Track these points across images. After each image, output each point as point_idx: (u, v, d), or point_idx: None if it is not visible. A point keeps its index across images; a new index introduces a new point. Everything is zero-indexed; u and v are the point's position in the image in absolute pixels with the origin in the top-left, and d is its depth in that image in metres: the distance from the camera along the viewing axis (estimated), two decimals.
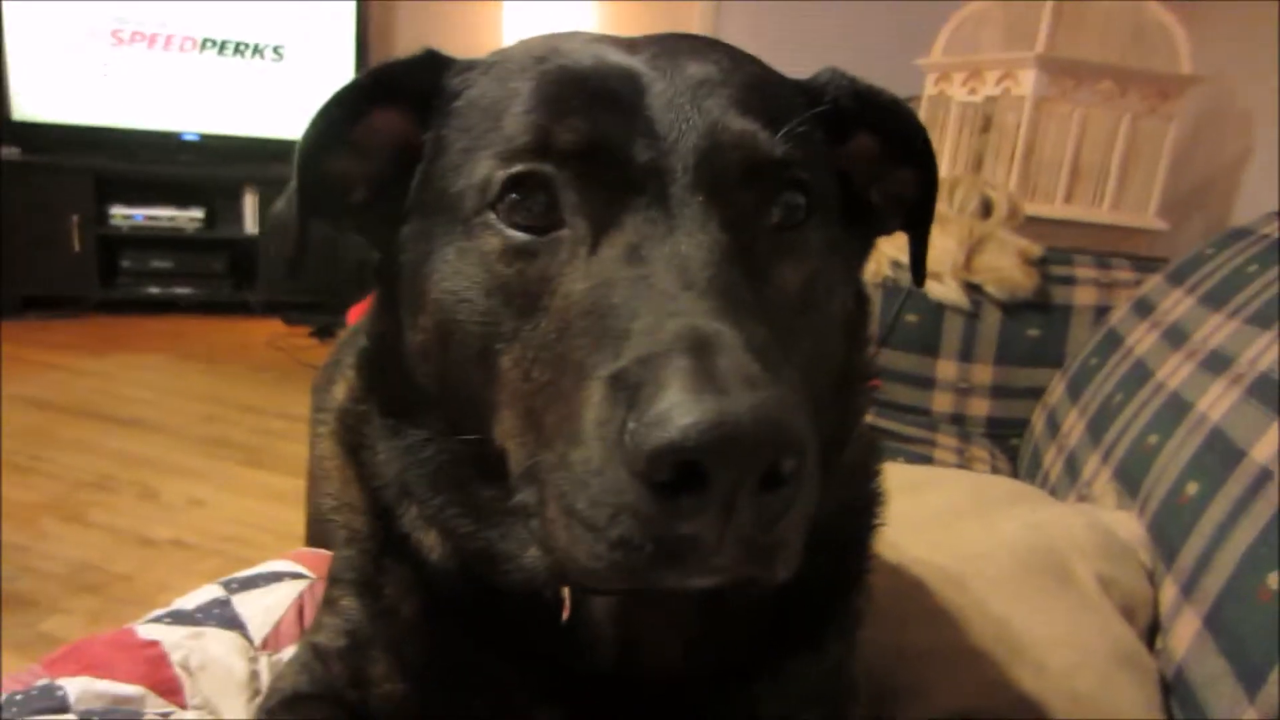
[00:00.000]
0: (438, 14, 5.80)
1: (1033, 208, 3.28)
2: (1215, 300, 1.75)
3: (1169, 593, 1.32)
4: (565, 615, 0.78)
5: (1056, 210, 3.60)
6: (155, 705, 0.99)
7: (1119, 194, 3.62)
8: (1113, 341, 2.09)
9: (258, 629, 1.18)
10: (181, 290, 5.65)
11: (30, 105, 5.34)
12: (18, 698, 0.94)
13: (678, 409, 0.51)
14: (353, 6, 5.77)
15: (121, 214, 5.51)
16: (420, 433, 0.80)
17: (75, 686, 0.97)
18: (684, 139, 0.68)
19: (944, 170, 3.77)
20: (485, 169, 0.71)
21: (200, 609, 1.19)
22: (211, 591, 1.23)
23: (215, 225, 5.72)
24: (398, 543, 0.86)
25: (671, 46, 0.76)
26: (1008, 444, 2.45)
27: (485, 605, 0.82)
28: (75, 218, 5.31)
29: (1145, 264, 2.57)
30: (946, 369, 2.53)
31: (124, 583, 2.74)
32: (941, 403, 2.54)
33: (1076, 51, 3.58)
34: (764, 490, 0.54)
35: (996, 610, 1.28)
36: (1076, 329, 2.46)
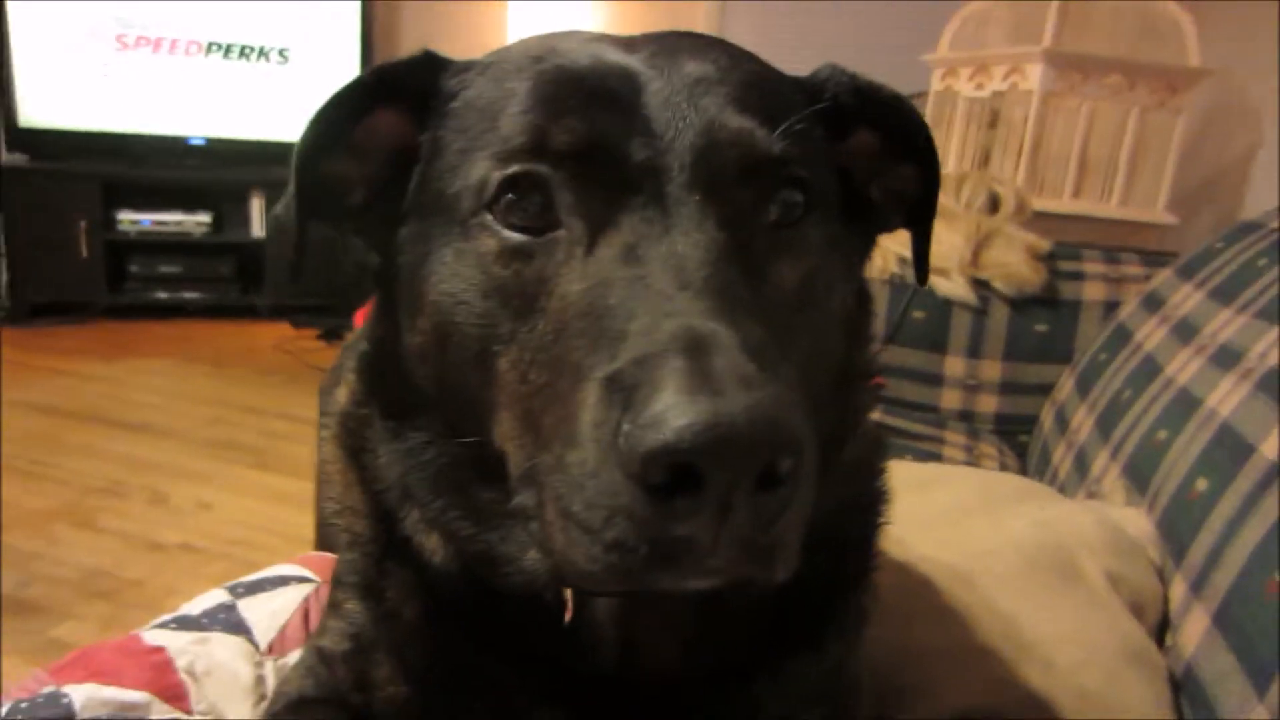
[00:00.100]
0: (442, 15, 5.80)
1: (1040, 203, 3.27)
2: (1225, 295, 1.74)
3: (1178, 589, 1.31)
4: (568, 617, 0.78)
5: (1064, 205, 3.58)
6: (161, 711, 0.99)
7: (1127, 188, 3.60)
8: (1122, 337, 2.08)
9: (263, 634, 1.18)
10: (189, 294, 5.66)
11: (36, 111, 5.35)
12: (23, 705, 0.94)
13: (672, 411, 0.51)
14: (358, 8, 5.78)
15: (129, 219, 5.52)
16: (420, 435, 0.80)
17: (80, 694, 0.96)
18: (681, 137, 0.68)
19: (951, 166, 3.76)
20: (481, 170, 0.70)
21: (206, 614, 1.19)
22: (217, 596, 1.23)
23: (222, 229, 5.74)
24: (400, 546, 0.86)
25: (670, 45, 0.76)
26: (1016, 441, 2.44)
27: (487, 608, 0.82)
28: (83, 223, 5.32)
29: (1154, 259, 2.55)
30: (954, 365, 2.52)
31: (135, 588, 2.74)
32: (949, 399, 2.53)
33: (1084, 46, 3.56)
34: (760, 491, 0.53)
35: (1004, 607, 1.27)
36: (1085, 324, 2.45)
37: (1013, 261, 2.47)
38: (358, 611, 0.92)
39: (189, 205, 5.63)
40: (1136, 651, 1.23)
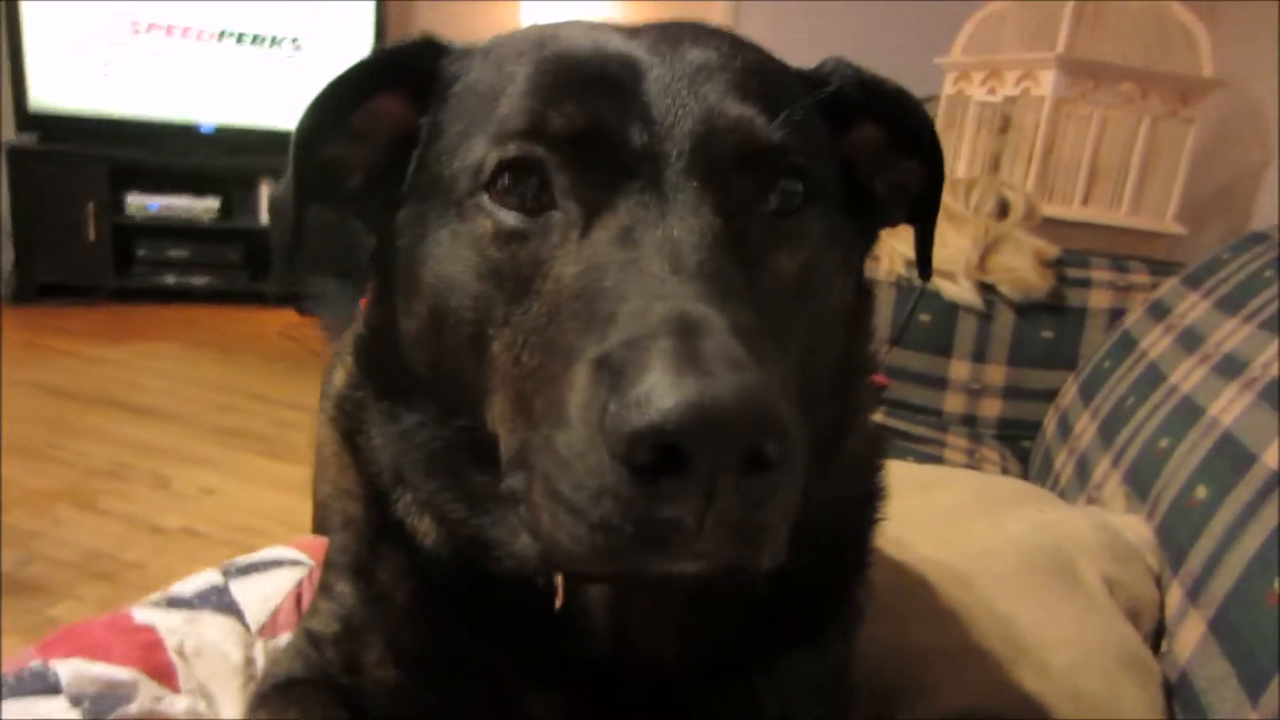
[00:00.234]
0: (456, 8, 5.80)
1: (1050, 209, 3.25)
2: (1231, 304, 1.74)
3: (1175, 596, 1.31)
4: (558, 603, 0.78)
5: (1074, 212, 3.56)
6: (149, 690, 0.99)
7: (1137, 197, 3.58)
8: (1126, 344, 2.07)
9: (255, 615, 1.18)
10: (197, 280, 5.65)
11: (48, 94, 5.35)
12: (9, 680, 0.94)
13: (658, 391, 0.51)
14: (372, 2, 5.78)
15: (137, 203, 5.51)
16: (414, 418, 0.80)
17: (68, 669, 0.96)
18: (680, 124, 0.68)
19: (961, 170, 3.75)
20: (479, 151, 0.70)
21: (197, 594, 1.19)
22: (209, 577, 1.23)
23: (231, 215, 5.73)
24: (392, 529, 0.86)
25: (672, 33, 0.76)
26: (1019, 446, 2.44)
27: (479, 592, 0.82)
28: (91, 206, 5.32)
29: (1161, 268, 2.55)
30: (959, 369, 2.51)
31: (135, 570, 2.75)
32: (953, 403, 2.53)
33: (1098, 53, 3.55)
34: (746, 474, 0.53)
35: (1002, 609, 1.27)
36: (1091, 331, 2.44)
37: (1020, 267, 2.46)
38: (348, 594, 0.92)
39: (198, 190, 5.63)
40: (1132, 656, 1.22)
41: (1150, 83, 3.48)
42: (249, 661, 1.10)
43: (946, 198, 2.61)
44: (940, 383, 2.53)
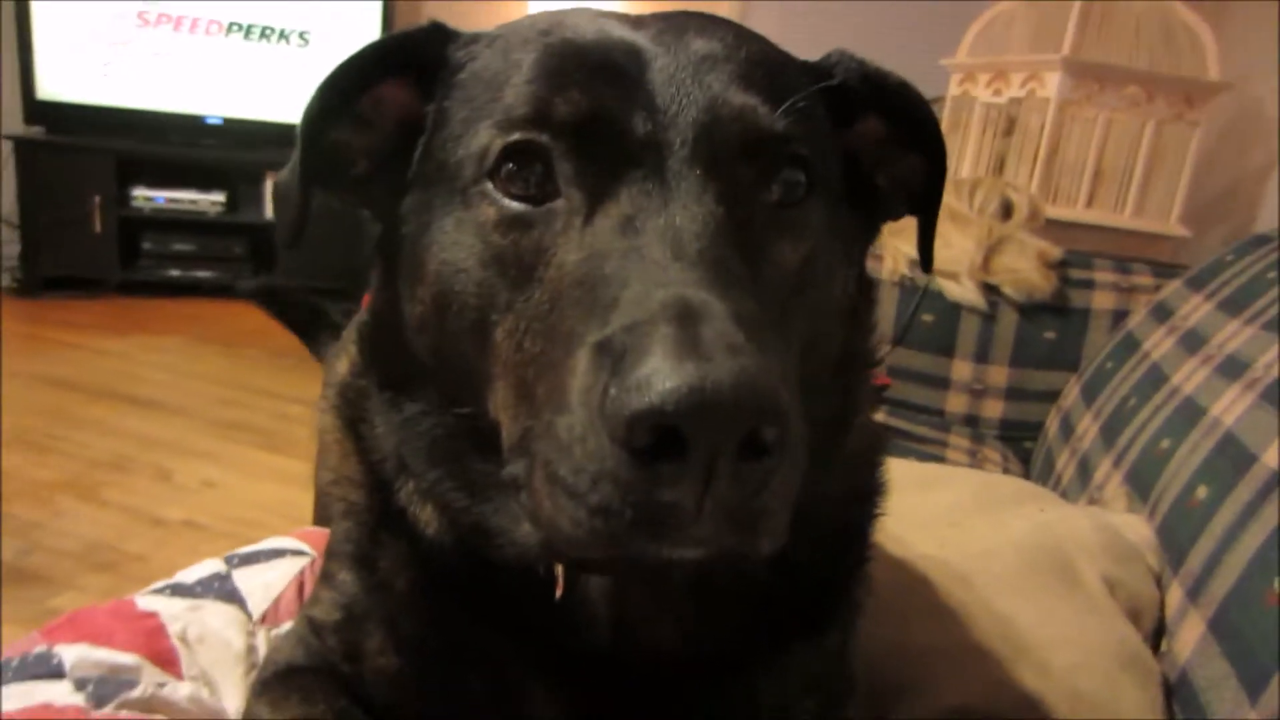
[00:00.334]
0: (464, 6, 5.80)
1: (1054, 211, 3.26)
2: (1234, 306, 1.74)
3: (1175, 596, 1.31)
4: (559, 592, 0.78)
5: (1078, 214, 3.57)
6: (151, 675, 0.99)
7: (1141, 199, 3.59)
8: (1129, 346, 2.07)
9: (257, 604, 1.18)
10: (202, 273, 5.65)
11: (55, 85, 5.36)
12: (13, 663, 0.95)
13: (657, 374, 0.51)
14: None
15: (143, 196, 5.52)
16: (417, 406, 0.80)
17: (72, 654, 0.97)
18: (684, 113, 0.68)
19: (966, 171, 3.75)
20: (484, 138, 0.71)
21: (200, 582, 1.19)
22: (212, 566, 1.24)
23: (236, 209, 5.74)
24: (394, 517, 0.86)
25: (678, 23, 0.76)
26: (1021, 446, 2.44)
27: (480, 580, 0.82)
28: (97, 199, 5.33)
29: (1165, 269, 2.55)
30: (961, 369, 2.52)
31: (136, 562, 2.75)
32: (955, 403, 2.53)
33: (1104, 55, 3.55)
34: (744, 459, 0.53)
35: (1001, 608, 1.27)
36: (1094, 332, 2.44)
37: (1023, 268, 2.47)
38: (350, 582, 0.92)
39: (204, 184, 5.63)
40: (1131, 655, 1.22)
41: (1155, 85, 3.48)
42: (251, 649, 1.11)
43: (951, 199, 2.62)
44: (943, 383, 2.53)
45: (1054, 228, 2.85)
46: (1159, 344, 1.92)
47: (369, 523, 0.90)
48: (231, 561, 1.25)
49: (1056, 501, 1.66)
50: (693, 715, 0.85)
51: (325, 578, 0.96)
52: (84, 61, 5.41)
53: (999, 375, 2.49)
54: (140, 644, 1.03)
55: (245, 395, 4.17)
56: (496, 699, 0.85)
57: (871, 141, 0.86)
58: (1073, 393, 2.25)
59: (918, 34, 4.62)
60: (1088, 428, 2.00)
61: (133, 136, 5.51)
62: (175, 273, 5.63)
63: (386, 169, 0.81)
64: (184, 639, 1.07)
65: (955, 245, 2.48)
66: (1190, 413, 1.55)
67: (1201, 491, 1.36)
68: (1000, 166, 3.74)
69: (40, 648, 0.98)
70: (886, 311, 2.54)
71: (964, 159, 3.81)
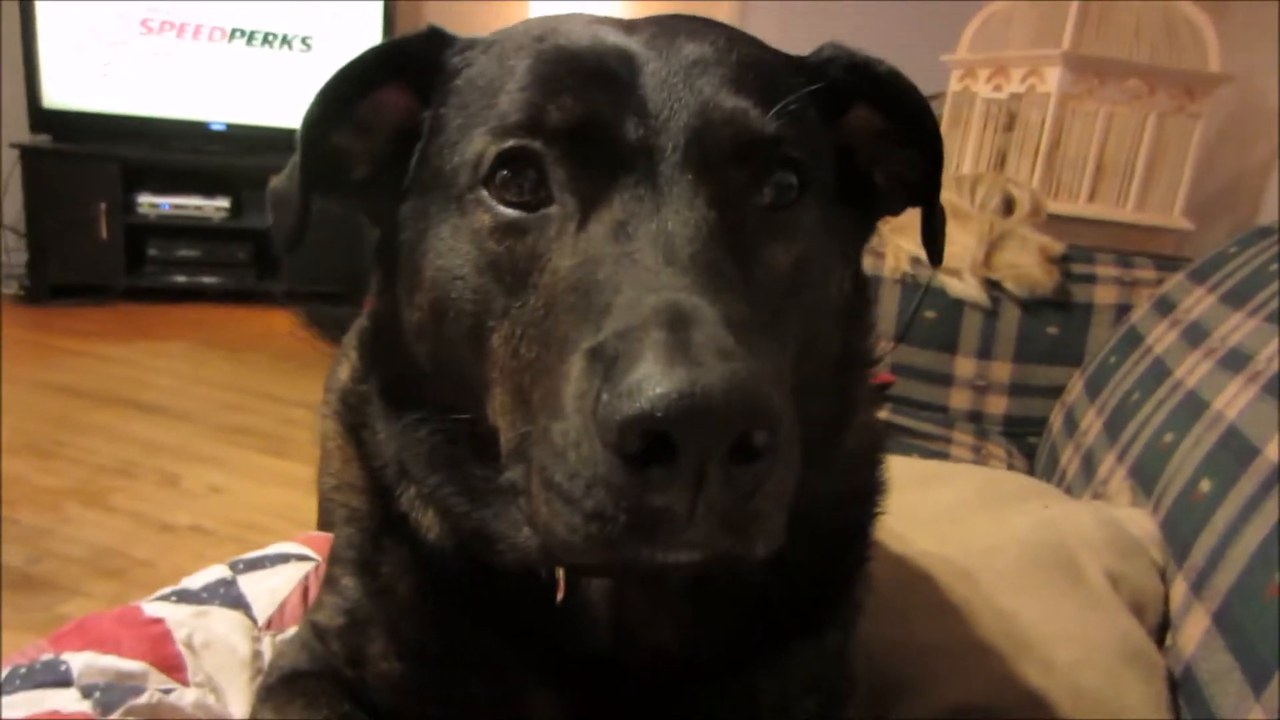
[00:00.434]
0: (465, 7, 5.80)
1: (1057, 206, 3.26)
2: (1236, 299, 1.74)
3: (1179, 590, 1.31)
4: (560, 596, 0.78)
5: (1080, 208, 3.56)
6: (158, 681, 1.00)
7: (1144, 193, 3.58)
8: (1132, 340, 2.07)
9: (262, 609, 1.19)
10: (207, 279, 5.65)
11: (60, 93, 5.37)
12: (20, 671, 0.95)
13: (648, 380, 0.52)
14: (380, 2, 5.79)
15: (148, 202, 5.52)
16: (417, 412, 0.80)
17: (79, 661, 0.97)
18: (675, 117, 0.69)
19: (967, 167, 3.74)
20: (478, 145, 0.71)
21: (206, 588, 1.20)
22: (218, 572, 1.24)
23: (241, 215, 5.74)
24: (396, 522, 0.86)
25: (669, 27, 0.76)
26: (1025, 442, 2.44)
27: (482, 585, 0.83)
28: (103, 206, 5.33)
29: (1167, 263, 2.54)
30: (964, 366, 2.51)
31: (144, 568, 2.75)
32: (959, 400, 2.53)
33: (1106, 49, 3.54)
34: (735, 463, 0.53)
35: (1004, 605, 1.27)
36: (1096, 327, 2.44)
37: (1025, 263, 2.46)
38: (353, 587, 0.93)
39: (208, 190, 5.63)
40: (1135, 651, 1.22)
41: (1156, 78, 3.47)
42: (256, 654, 1.11)
43: (952, 195, 2.62)
44: (946, 379, 2.53)
45: (1056, 223, 2.85)
46: (1162, 338, 1.92)
47: (371, 528, 0.90)
48: (237, 567, 1.26)
49: (1060, 497, 1.66)
50: (693, 716, 0.85)
51: (328, 583, 0.96)
52: (88, 70, 5.41)
53: (1002, 371, 2.49)
54: (146, 650, 1.03)
55: (251, 400, 4.17)
56: (498, 703, 0.85)
57: (865, 135, 0.86)
58: (1076, 388, 2.25)
59: (917, 30, 4.62)
60: (1091, 422, 2.00)
61: (137, 144, 5.52)
62: (181, 279, 5.63)
63: (385, 174, 0.81)
64: (190, 645, 1.07)
65: (957, 241, 2.48)
66: (1193, 406, 1.55)
67: (1205, 485, 1.36)
68: (1001, 162, 3.73)
69: (47, 655, 0.99)
70: (888, 309, 2.54)
71: (965, 155, 3.80)
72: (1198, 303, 1.89)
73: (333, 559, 0.97)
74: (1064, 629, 1.24)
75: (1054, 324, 2.47)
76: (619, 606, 0.81)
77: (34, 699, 0.92)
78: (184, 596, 1.17)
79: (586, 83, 0.70)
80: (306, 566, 1.29)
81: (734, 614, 0.85)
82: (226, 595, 1.19)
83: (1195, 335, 1.77)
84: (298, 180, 0.79)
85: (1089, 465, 1.88)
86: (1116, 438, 1.80)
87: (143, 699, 0.95)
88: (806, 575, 0.87)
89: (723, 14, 5.35)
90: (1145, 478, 1.58)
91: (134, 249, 5.53)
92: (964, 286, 2.47)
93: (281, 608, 1.20)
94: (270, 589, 1.22)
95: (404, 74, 0.81)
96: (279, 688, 0.96)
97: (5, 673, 0.96)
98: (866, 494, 0.95)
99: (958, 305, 2.50)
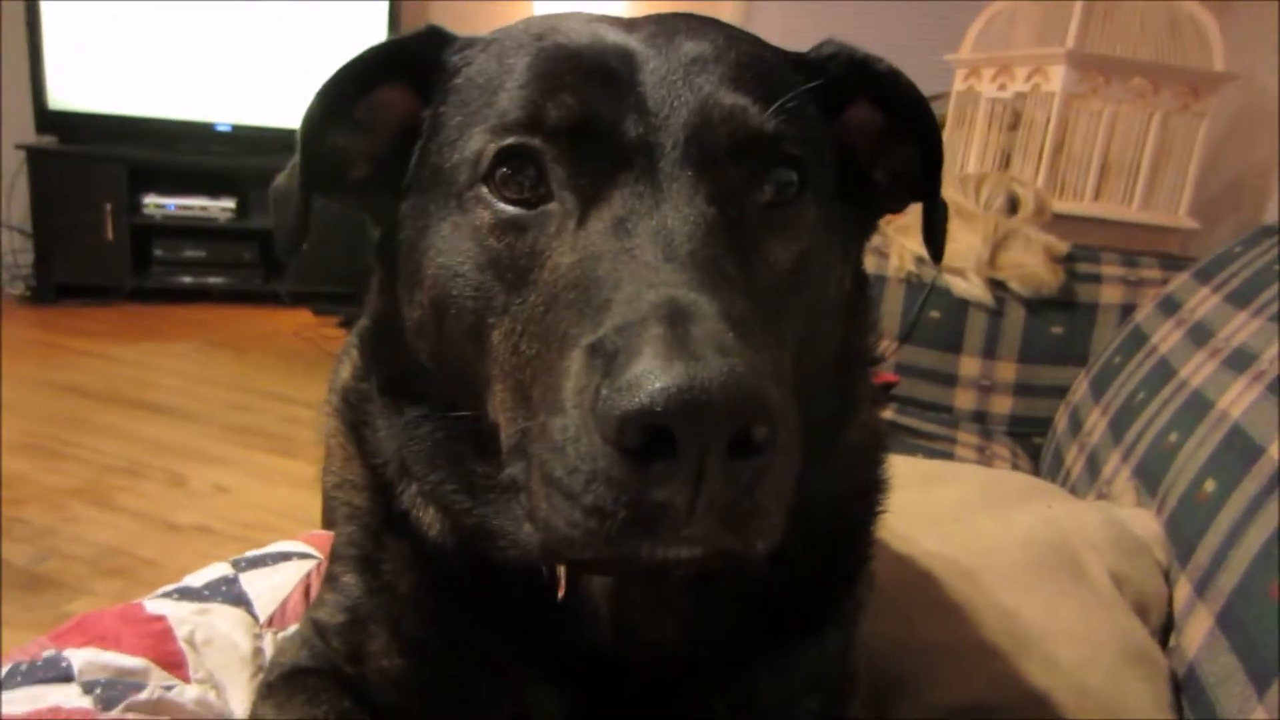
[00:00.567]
0: (469, 10, 5.80)
1: (1062, 205, 3.24)
2: (1241, 298, 1.73)
3: (1183, 590, 1.31)
4: (561, 593, 0.79)
5: (1085, 208, 3.55)
6: (159, 678, 1.00)
7: (1149, 192, 3.56)
8: (1137, 339, 2.06)
9: (264, 606, 1.19)
10: (213, 279, 5.67)
11: (66, 94, 5.38)
12: (22, 667, 0.96)
13: (647, 375, 0.52)
14: (385, 5, 5.79)
15: (154, 203, 5.54)
16: (418, 410, 0.80)
17: (80, 658, 0.98)
18: (675, 115, 0.69)
19: (971, 166, 3.73)
20: (478, 143, 0.71)
21: (208, 586, 1.20)
22: (220, 569, 1.25)
23: (246, 215, 5.75)
24: (397, 519, 0.86)
25: (669, 25, 0.76)
26: (1030, 442, 2.43)
27: (483, 582, 0.83)
28: (109, 206, 5.35)
29: (1173, 263, 2.54)
30: (969, 366, 2.51)
31: (149, 567, 2.76)
32: (963, 400, 2.52)
33: (1111, 48, 3.53)
34: (734, 457, 0.53)
35: (1007, 604, 1.27)
36: (1101, 327, 2.43)
37: (1030, 263, 2.46)
38: (354, 584, 0.93)
39: (214, 191, 5.65)
40: (1138, 651, 1.22)
41: (1161, 77, 3.46)
42: (258, 651, 1.11)
43: (957, 194, 2.61)
44: (950, 379, 2.53)
45: (1061, 222, 2.84)
46: (1166, 337, 1.92)
47: (372, 526, 0.90)
48: (239, 565, 1.26)
49: (1064, 497, 1.66)
50: (694, 713, 0.85)
51: (330, 580, 0.96)
52: (95, 71, 5.42)
53: (1007, 371, 2.49)
54: (148, 647, 1.04)
55: (257, 400, 4.18)
56: (499, 699, 0.86)
57: (864, 132, 0.86)
58: (1081, 387, 2.24)
59: (922, 30, 4.62)
60: (1096, 422, 1.99)
61: (143, 144, 5.53)
62: (186, 279, 5.65)
63: (385, 173, 0.82)
64: (191, 642, 1.08)
65: (961, 241, 2.48)
66: (1198, 406, 1.55)
67: (1209, 485, 1.35)
68: (1006, 161, 3.72)
69: (49, 651, 0.99)
70: (893, 308, 2.53)
71: (970, 154, 3.79)
72: (1202, 302, 1.89)
73: (334, 556, 0.97)
74: (1067, 629, 1.24)
75: (1059, 324, 2.46)
76: (620, 603, 0.81)
77: (35, 695, 0.93)
78: (186, 594, 1.18)
79: (586, 80, 0.70)
80: (308, 564, 1.29)
81: (735, 611, 0.85)
82: (228, 593, 1.19)
83: (1200, 335, 1.77)
84: (298, 179, 0.79)
85: (1093, 465, 1.88)
86: (1121, 438, 1.80)
87: (144, 695, 0.95)
88: (808, 573, 0.87)
89: (727, 13, 5.34)
90: (1150, 478, 1.58)
91: (140, 249, 5.54)
92: (969, 286, 2.47)
93: (283, 605, 1.20)
94: (272, 587, 1.22)
95: (404, 73, 0.81)
96: (279, 684, 0.96)
97: (6, 669, 0.96)
98: (868, 492, 0.95)
99: (962, 305, 2.50)
